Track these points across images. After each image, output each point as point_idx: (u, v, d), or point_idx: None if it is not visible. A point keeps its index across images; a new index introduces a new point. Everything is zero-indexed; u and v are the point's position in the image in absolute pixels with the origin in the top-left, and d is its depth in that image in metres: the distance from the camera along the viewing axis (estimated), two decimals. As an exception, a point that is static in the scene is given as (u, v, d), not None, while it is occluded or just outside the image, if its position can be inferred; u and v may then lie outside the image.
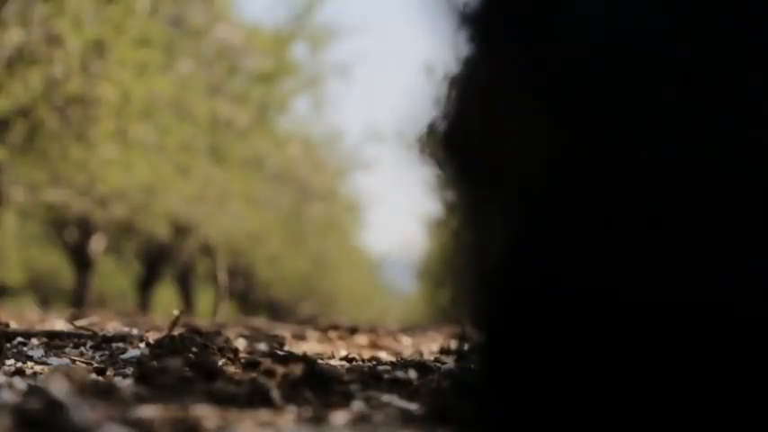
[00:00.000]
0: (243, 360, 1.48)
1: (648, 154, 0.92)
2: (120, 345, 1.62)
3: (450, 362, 1.66)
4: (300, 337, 2.53)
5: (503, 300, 0.97)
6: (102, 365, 1.28)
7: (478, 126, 1.10)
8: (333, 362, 1.68)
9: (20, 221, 14.19)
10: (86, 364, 1.41)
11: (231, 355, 1.42)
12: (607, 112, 0.95)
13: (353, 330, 2.88)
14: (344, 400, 0.96)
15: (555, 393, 0.88)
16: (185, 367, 0.95)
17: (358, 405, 0.95)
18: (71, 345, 1.64)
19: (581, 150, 0.92)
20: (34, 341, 1.64)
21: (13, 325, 1.84)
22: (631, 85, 0.94)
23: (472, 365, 1.35)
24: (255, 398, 0.90)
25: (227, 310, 17.37)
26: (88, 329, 1.77)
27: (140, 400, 0.86)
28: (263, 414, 0.87)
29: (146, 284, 16.22)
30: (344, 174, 19.39)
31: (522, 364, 0.91)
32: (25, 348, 1.56)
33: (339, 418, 0.87)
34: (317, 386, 0.97)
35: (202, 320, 4.50)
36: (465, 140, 1.11)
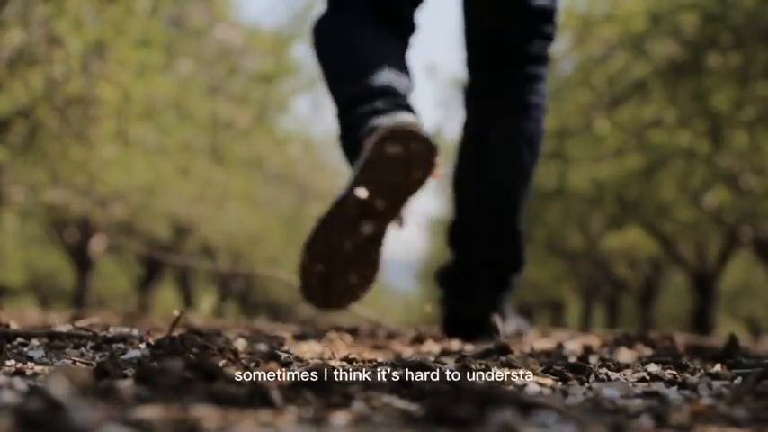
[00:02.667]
0: (243, 361, 1.48)
1: None
2: (121, 345, 1.62)
3: (450, 362, 1.66)
4: (300, 338, 2.53)
5: None
6: (103, 366, 1.28)
7: None
8: (333, 362, 1.68)
9: (20, 221, 14.18)
10: (87, 364, 1.41)
11: (231, 356, 1.42)
12: None
13: (354, 331, 2.88)
14: (345, 400, 0.96)
15: None
16: (185, 368, 0.95)
17: (358, 405, 0.95)
18: (71, 345, 1.64)
19: None
20: (34, 342, 1.64)
21: (13, 325, 1.84)
22: None
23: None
24: (256, 398, 0.91)
25: (218, 310, 17.34)
26: (88, 330, 1.77)
27: (141, 400, 0.86)
28: (264, 414, 0.87)
29: (146, 284, 16.23)
30: (345, 174, 19.42)
31: None
32: (25, 349, 1.56)
33: (339, 418, 0.87)
34: (318, 387, 0.97)
35: (202, 321, 4.50)
36: None
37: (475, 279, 2.54)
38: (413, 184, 2.03)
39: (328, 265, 2.09)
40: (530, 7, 2.48)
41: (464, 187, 2.54)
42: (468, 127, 2.58)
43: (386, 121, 2.05)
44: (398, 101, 2.16)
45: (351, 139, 2.14)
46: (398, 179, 1.99)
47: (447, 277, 2.64)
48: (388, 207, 2.01)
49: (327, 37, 2.40)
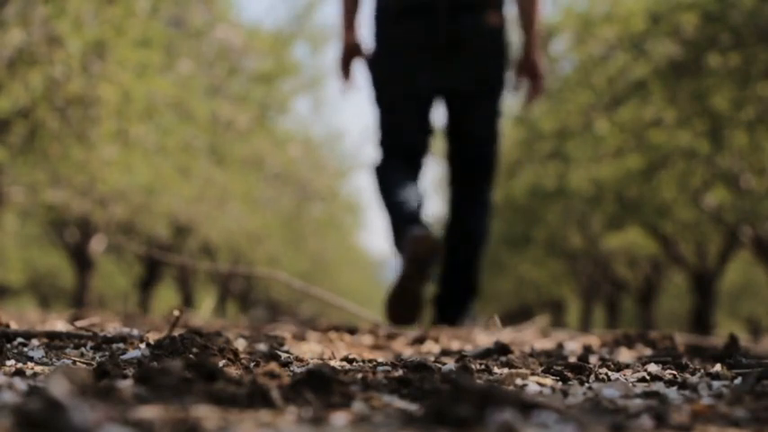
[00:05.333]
0: (243, 361, 1.48)
1: None
2: (121, 345, 1.62)
3: (450, 362, 1.66)
4: (300, 338, 2.53)
5: None
6: (103, 366, 1.28)
7: None
8: (333, 362, 1.68)
9: (20, 221, 14.18)
10: (87, 364, 1.41)
11: (231, 356, 1.42)
12: None
13: (353, 331, 2.88)
14: (345, 400, 0.96)
15: None
16: (185, 368, 0.95)
17: (358, 406, 0.95)
18: (71, 345, 1.64)
19: None
20: (34, 342, 1.64)
21: (14, 325, 1.84)
22: None
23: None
24: (256, 398, 0.91)
25: (216, 309, 17.34)
26: (88, 330, 1.77)
27: (141, 400, 0.86)
28: (264, 415, 0.87)
29: (146, 284, 16.23)
30: (345, 174, 19.41)
31: None
32: (25, 349, 1.57)
33: (339, 418, 0.87)
34: (318, 387, 0.97)
35: (202, 321, 4.50)
36: None
37: (448, 299, 4.22)
38: (430, 257, 3.82)
39: (405, 307, 3.85)
40: (474, 148, 4.15)
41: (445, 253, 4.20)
42: (448, 220, 4.32)
43: (412, 232, 3.83)
44: (418, 220, 3.95)
45: (399, 242, 3.94)
46: (425, 257, 3.80)
47: (435, 298, 4.30)
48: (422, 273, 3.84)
49: (382, 180, 4.11)
